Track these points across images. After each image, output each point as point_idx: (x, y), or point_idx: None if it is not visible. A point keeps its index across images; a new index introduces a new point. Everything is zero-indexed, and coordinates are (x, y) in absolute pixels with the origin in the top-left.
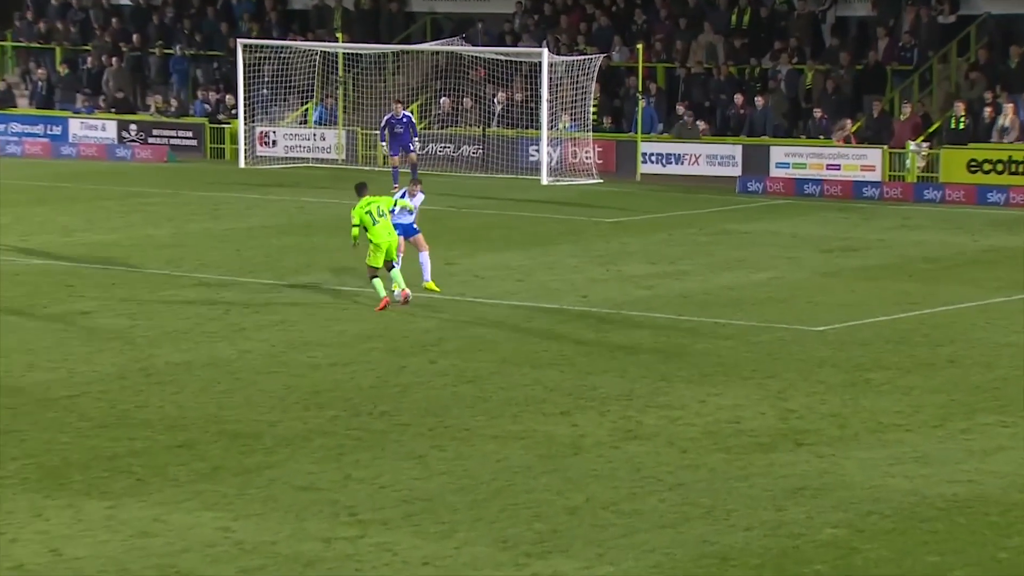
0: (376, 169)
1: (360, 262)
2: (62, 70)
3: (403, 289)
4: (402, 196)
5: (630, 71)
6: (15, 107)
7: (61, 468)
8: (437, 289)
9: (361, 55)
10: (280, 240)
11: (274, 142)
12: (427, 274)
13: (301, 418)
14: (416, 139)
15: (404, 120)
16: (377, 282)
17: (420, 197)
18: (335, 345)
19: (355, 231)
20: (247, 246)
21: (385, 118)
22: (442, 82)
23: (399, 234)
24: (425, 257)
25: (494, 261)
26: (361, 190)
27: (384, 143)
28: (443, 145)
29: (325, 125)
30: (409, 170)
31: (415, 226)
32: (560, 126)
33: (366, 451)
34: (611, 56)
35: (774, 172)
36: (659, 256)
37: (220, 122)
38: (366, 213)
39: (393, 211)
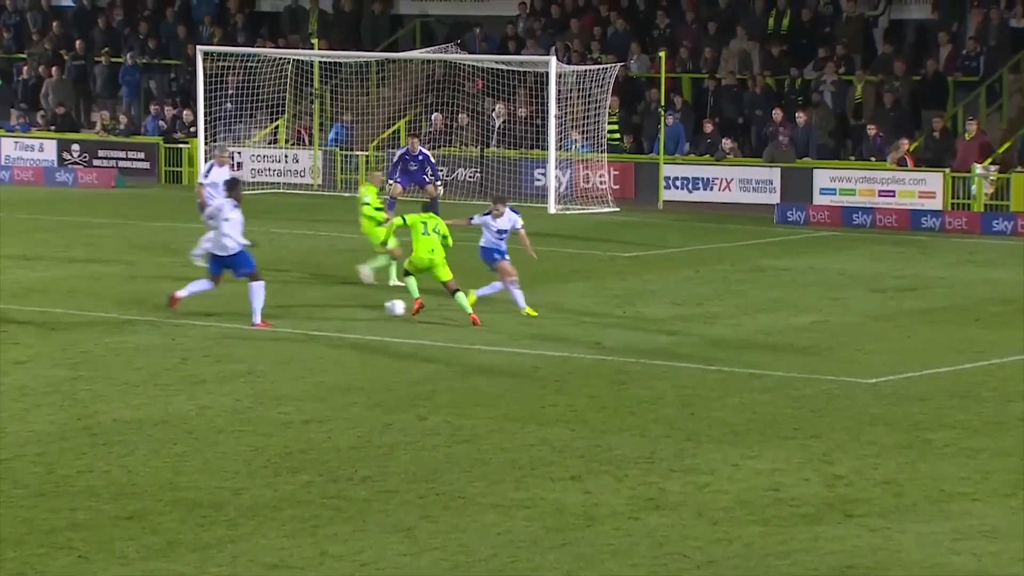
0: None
1: (338, 302)
2: None
3: (470, 313)
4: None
5: (651, 83)
6: None
7: None
8: (534, 314)
9: (340, 64)
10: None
11: (239, 164)
12: (521, 301)
13: (270, 484)
14: (437, 179)
15: (420, 157)
16: (411, 280)
17: (514, 218)
18: (310, 399)
19: (395, 222)
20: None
21: (398, 154)
22: (434, 95)
23: (486, 259)
24: (514, 284)
25: (493, 302)
26: (428, 208)
27: (393, 181)
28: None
29: (343, 147)
30: (429, 201)
31: (503, 251)
32: (571, 146)
33: (345, 523)
34: (629, 65)
35: (818, 199)
36: (684, 296)
37: (176, 141)
38: (421, 222)
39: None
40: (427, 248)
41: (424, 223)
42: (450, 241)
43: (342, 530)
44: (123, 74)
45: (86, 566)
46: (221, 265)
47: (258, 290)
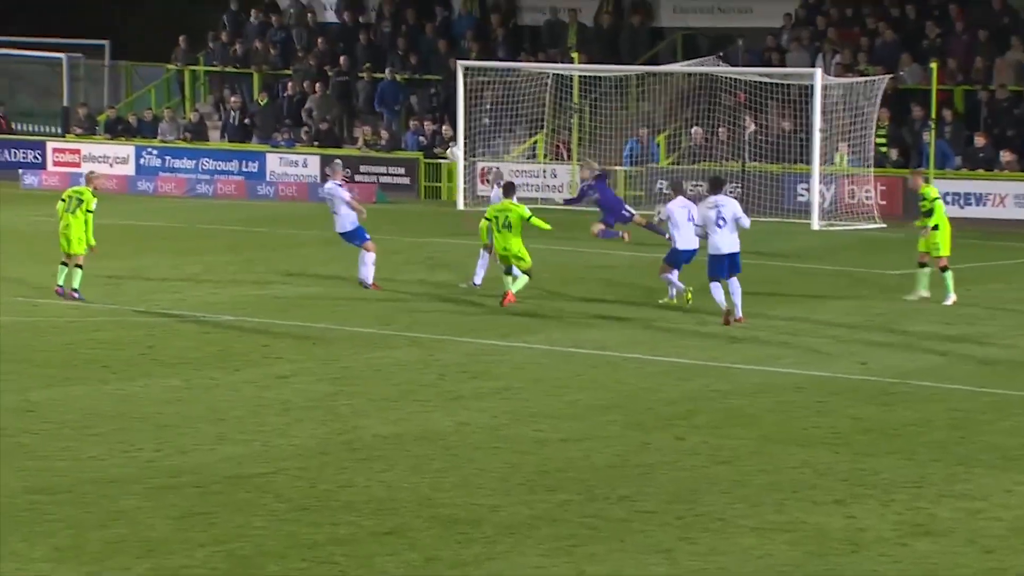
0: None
1: (593, 319)
2: (260, 99)
3: (507, 290)
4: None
5: (920, 95)
6: (207, 140)
7: (254, 557)
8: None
9: (600, 78)
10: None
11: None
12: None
13: (526, 502)
14: (624, 209)
15: (597, 183)
16: (506, 277)
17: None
18: (566, 417)
19: (481, 225)
20: (464, 300)
21: (581, 187)
22: (693, 109)
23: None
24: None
25: (755, 319)
26: (509, 191)
27: (601, 226)
28: (694, 183)
29: (639, 164)
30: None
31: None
32: (836, 160)
33: (603, 543)
34: (899, 77)
35: None
36: (954, 316)
37: (436, 156)
38: (494, 217)
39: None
40: (500, 246)
41: (496, 217)
42: (542, 224)
43: (599, 550)
44: (384, 89)
45: None
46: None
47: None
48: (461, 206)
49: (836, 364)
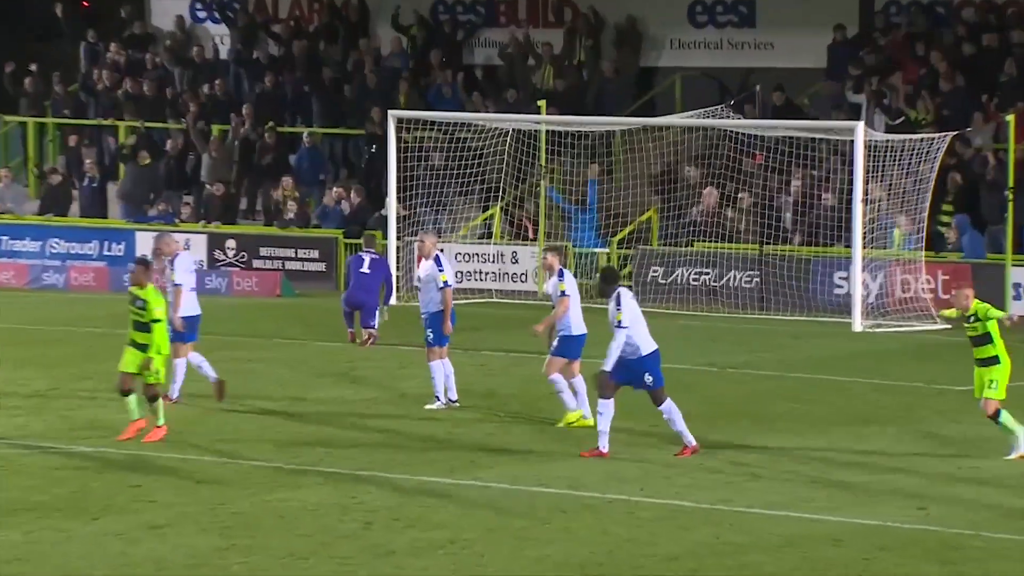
0: (597, 306)
1: (567, 450)
2: (141, 159)
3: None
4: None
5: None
6: (64, 215)
7: None
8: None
9: (574, 133)
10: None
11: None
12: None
13: None
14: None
15: (377, 266)
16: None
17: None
18: None
19: None
20: (391, 428)
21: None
22: (699, 171)
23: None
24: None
25: (777, 451)
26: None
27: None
28: (697, 271)
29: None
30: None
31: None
32: (894, 237)
33: None
34: (966, 135)
35: None
36: None
37: (357, 235)
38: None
39: None
40: None
41: None
42: None
43: None
44: (303, 154)
45: None
46: None
47: None
48: (392, 300)
49: (884, 508)
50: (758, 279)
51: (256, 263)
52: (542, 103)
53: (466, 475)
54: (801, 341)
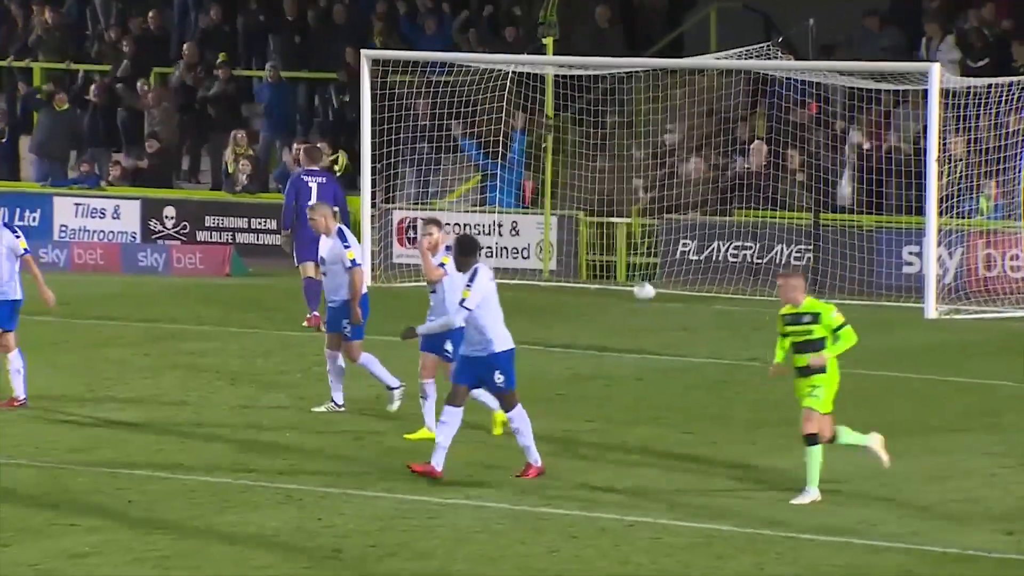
0: (616, 289)
1: (596, 466)
2: (57, 103)
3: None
4: None
5: None
6: None
7: None
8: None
9: (588, 77)
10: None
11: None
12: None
13: None
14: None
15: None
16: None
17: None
18: None
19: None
20: (371, 431)
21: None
22: (735, 124)
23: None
24: None
25: (835, 463)
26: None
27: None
28: (737, 245)
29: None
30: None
31: None
32: (980, 204)
33: None
34: None
35: None
36: None
37: None
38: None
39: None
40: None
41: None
42: None
43: None
44: (260, 95)
45: None
46: None
47: None
48: (368, 279)
49: (968, 533)
50: (810, 255)
51: (200, 235)
52: (548, 40)
53: (457, 493)
54: (863, 330)
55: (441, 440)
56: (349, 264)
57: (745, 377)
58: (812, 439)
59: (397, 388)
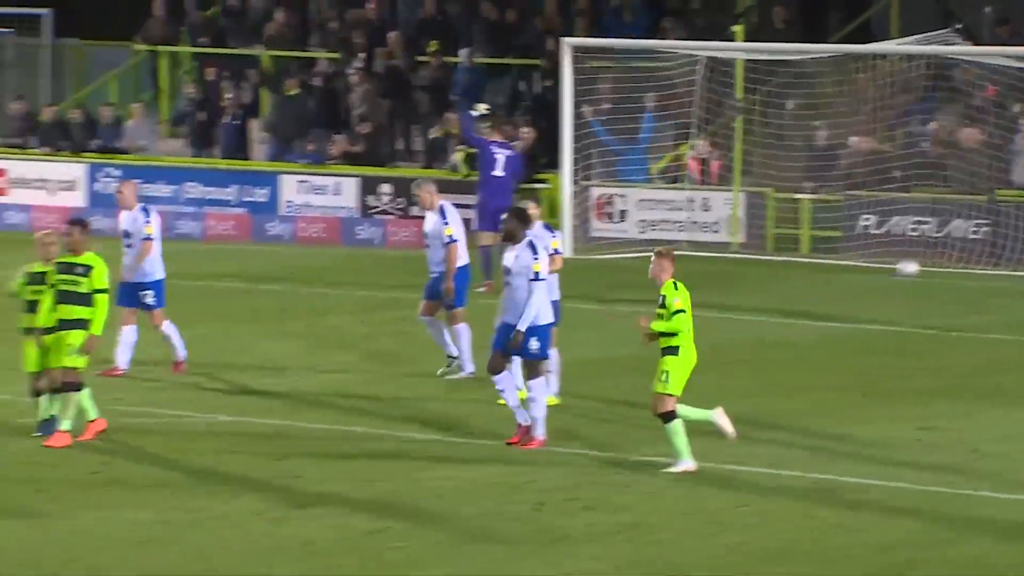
0: (804, 260)
1: (782, 431)
2: (288, 87)
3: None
4: None
5: None
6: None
7: None
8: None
9: (779, 62)
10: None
11: (623, 213)
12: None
13: None
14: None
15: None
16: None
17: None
18: (721, 569)
19: None
20: (576, 391)
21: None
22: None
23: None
24: None
25: (1009, 426)
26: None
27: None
28: (916, 219)
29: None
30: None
31: None
32: None
33: None
34: None
35: None
36: None
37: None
38: None
39: None
40: None
41: None
42: None
43: None
44: (459, 82)
45: None
46: None
47: None
48: (569, 252)
49: None
50: (987, 228)
51: (414, 210)
52: (738, 28)
53: (650, 450)
54: None
55: (514, 404)
56: (447, 240)
57: (921, 344)
58: (669, 416)
59: (465, 370)
